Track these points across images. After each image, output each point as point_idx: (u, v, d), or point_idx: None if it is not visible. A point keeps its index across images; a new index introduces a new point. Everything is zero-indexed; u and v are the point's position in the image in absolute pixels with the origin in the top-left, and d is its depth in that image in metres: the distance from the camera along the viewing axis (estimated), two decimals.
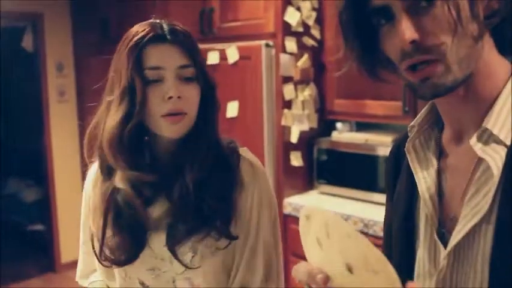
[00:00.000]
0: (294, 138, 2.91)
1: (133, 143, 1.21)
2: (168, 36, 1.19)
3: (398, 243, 0.95)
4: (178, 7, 3.32)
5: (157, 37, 1.19)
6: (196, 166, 1.22)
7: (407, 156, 0.92)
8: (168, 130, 1.20)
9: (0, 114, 6.03)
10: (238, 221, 1.25)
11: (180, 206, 1.21)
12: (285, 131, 2.91)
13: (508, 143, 0.77)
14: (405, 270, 0.89)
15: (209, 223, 1.21)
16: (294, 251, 2.88)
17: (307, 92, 2.94)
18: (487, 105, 0.81)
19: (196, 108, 1.22)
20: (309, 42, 2.92)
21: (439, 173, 0.89)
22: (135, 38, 1.18)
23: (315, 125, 2.98)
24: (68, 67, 4.61)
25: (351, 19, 0.83)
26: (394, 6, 0.77)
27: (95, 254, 1.28)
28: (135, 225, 1.23)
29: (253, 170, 1.28)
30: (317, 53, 2.97)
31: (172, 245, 1.21)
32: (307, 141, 3.00)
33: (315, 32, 2.93)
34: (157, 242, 1.23)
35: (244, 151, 1.31)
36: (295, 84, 2.90)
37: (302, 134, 2.93)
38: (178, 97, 1.17)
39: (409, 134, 0.93)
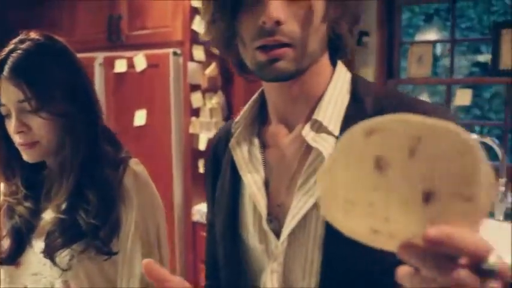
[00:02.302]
0: (202, 145, 2.92)
1: (10, 163, 1.31)
2: (5, 73, 1.20)
3: (224, 237, 0.96)
4: (86, 14, 3.27)
5: None
6: (61, 187, 1.26)
7: (233, 152, 0.94)
8: (25, 156, 1.25)
9: None
10: (121, 233, 1.26)
11: (58, 220, 1.25)
12: (193, 138, 2.93)
13: (336, 133, 0.84)
14: (233, 265, 0.94)
15: (88, 239, 1.22)
16: (203, 258, 2.89)
17: (215, 100, 2.97)
18: (315, 100, 0.87)
19: (51, 135, 1.24)
20: (216, 51, 2.95)
21: (265, 165, 0.92)
22: None
23: None
24: None
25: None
26: None
27: None
28: (20, 230, 1.27)
29: (136, 181, 1.28)
30: (224, 62, 3.01)
31: (49, 253, 1.23)
32: None
33: None
34: (40, 248, 1.25)
35: (133, 162, 1.32)
36: (203, 92, 2.93)
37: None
38: (21, 131, 1.21)
39: (233, 131, 0.95)
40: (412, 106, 0.81)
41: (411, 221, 0.52)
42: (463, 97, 2.68)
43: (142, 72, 2.96)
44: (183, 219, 2.96)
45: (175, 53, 2.86)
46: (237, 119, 0.95)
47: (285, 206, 0.87)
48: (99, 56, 3.15)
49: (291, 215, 0.85)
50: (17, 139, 1.23)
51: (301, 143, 0.87)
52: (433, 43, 3.32)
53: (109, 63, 3.10)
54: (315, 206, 0.82)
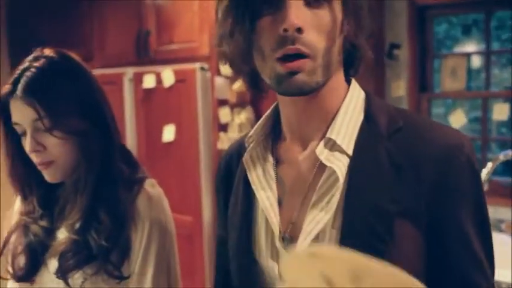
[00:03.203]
0: None
1: (27, 182, 1.29)
2: (18, 92, 1.19)
3: (237, 254, 0.94)
4: (115, 30, 3.29)
5: (10, 93, 1.20)
6: (75, 206, 1.25)
7: (246, 167, 0.92)
8: (46, 177, 1.24)
9: None
10: (131, 256, 1.24)
11: (71, 240, 1.24)
12: (222, 154, 2.89)
13: (350, 152, 0.83)
14: (247, 282, 0.93)
15: (99, 262, 1.21)
16: None
17: (244, 115, 2.93)
18: (329, 117, 0.86)
19: (66, 153, 1.22)
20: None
21: (278, 182, 0.90)
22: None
23: None
24: None
25: (237, 7, 0.81)
26: None
27: None
28: (35, 248, 1.27)
29: (149, 203, 1.25)
30: None
31: (62, 274, 1.22)
32: None
33: None
34: (54, 267, 1.24)
35: (148, 183, 1.29)
36: (232, 107, 2.89)
37: None
38: (37, 150, 1.20)
39: (246, 145, 0.94)
40: (427, 128, 0.84)
41: None
42: (500, 112, 2.57)
43: (171, 87, 2.95)
44: (213, 236, 2.92)
45: (202, 68, 2.84)
46: (250, 133, 0.94)
47: (298, 224, 0.85)
48: (129, 72, 3.16)
49: (304, 233, 0.83)
50: (34, 158, 1.22)
51: (315, 160, 0.85)
52: (468, 55, 3.21)
53: (138, 79, 3.10)
54: (327, 225, 0.82)
